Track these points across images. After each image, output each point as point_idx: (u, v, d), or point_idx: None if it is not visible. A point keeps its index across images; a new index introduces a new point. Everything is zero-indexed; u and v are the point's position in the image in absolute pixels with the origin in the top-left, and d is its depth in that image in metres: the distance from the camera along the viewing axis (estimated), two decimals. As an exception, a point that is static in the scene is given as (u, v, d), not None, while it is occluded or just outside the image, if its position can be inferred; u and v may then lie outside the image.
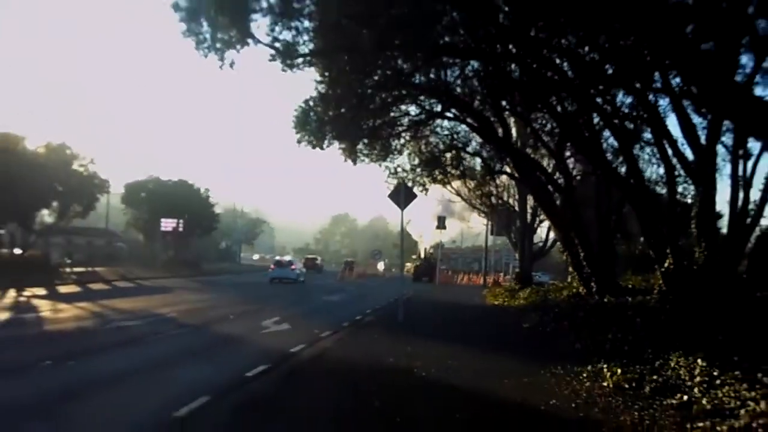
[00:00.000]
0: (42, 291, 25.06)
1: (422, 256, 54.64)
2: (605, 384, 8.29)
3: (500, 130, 23.65)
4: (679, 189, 15.65)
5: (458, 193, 39.10)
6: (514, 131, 26.49)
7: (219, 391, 7.76)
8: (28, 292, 23.86)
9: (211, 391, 7.77)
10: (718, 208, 12.20)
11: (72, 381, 8.40)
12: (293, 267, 41.98)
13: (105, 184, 36.17)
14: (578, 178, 27.01)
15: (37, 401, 7.22)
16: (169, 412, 6.75)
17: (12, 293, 23.32)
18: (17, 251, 32.62)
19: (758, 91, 11.89)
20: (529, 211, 35.18)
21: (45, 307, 18.56)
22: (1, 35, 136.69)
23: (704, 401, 6.79)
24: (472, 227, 54.51)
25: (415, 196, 18.17)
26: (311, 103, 20.51)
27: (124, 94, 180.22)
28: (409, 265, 54.51)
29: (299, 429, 6.18)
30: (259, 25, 15.08)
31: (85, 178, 33.66)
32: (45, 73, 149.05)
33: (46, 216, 34.43)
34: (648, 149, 22.61)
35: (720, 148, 12.48)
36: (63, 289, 27.24)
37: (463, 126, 25.56)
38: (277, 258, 50.56)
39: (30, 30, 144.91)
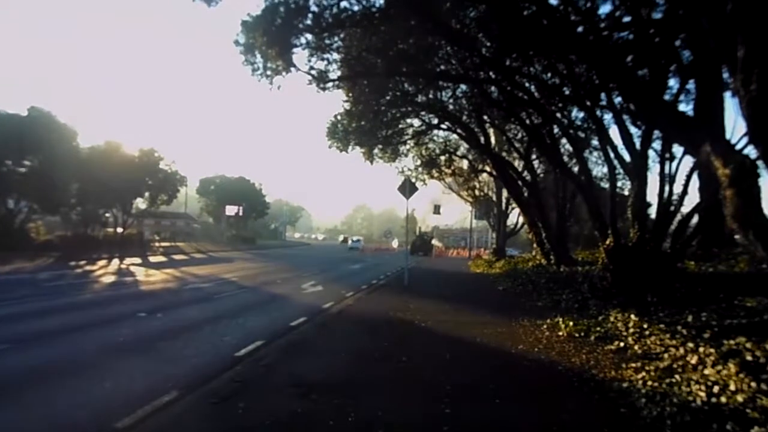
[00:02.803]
0: (137, 260, 25.39)
1: (417, 234, 53.87)
2: (560, 333, 8.28)
3: (482, 138, 23.57)
4: (619, 184, 15.51)
5: (450, 187, 39.08)
6: (492, 139, 26.32)
7: (270, 337, 7.86)
8: (127, 261, 24.18)
9: (264, 336, 7.88)
10: (648, 198, 12.05)
11: (159, 328, 8.53)
12: (359, 242, 63.38)
13: (184, 179, 36.48)
14: (541, 175, 26.81)
15: (134, 342, 7.36)
16: (232, 352, 6.85)
17: (116, 262, 23.63)
18: (119, 230, 33.01)
19: (682, 107, 11.76)
20: (504, 200, 35.09)
21: (139, 273, 18.79)
22: (99, 61, 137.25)
23: (636, 347, 6.78)
24: (461, 211, 54.22)
25: (417, 189, 18.09)
26: (339, 117, 20.57)
27: (199, 110, 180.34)
28: None
29: (330, 359, 6.22)
30: (300, 57, 15.11)
31: (169, 175, 33.96)
32: (138, 92, 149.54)
33: (140, 203, 34.82)
34: (595, 153, 22.47)
35: (651, 152, 12.34)
36: (153, 258, 27.56)
37: (454, 135, 25.59)
38: (355, 237, 74.42)
39: (125, 57, 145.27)
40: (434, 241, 57.57)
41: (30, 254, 23.73)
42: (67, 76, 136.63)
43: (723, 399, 4.22)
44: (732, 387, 4.33)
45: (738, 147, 7.22)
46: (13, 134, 24.55)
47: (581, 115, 17.64)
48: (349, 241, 69.19)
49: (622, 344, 7.13)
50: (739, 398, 4.13)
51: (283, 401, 4.67)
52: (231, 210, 52.38)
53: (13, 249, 23.64)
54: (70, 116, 51.32)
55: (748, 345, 4.85)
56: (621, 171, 13.27)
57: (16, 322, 8.59)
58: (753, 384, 4.25)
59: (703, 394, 4.41)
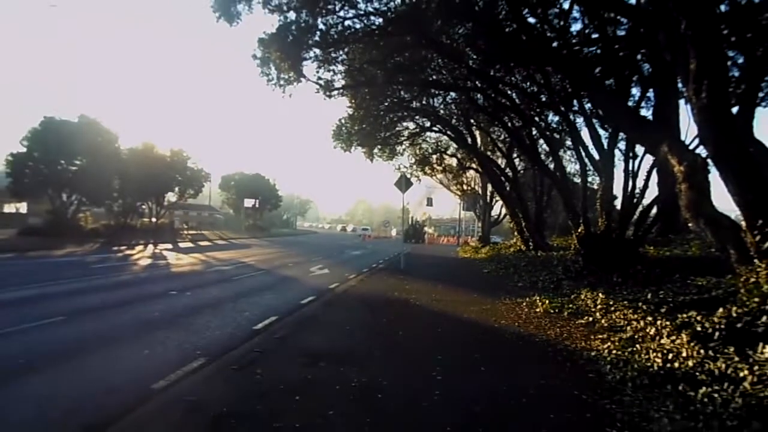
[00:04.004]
0: (169, 246, 25.41)
1: (410, 223, 53.10)
2: (537, 310, 8.33)
3: (469, 139, 23.54)
4: (589, 179, 15.46)
5: (441, 182, 39.01)
6: (479, 140, 26.29)
7: (283, 313, 7.91)
8: (160, 247, 24.21)
9: (278, 312, 7.92)
10: (614, 192, 12.08)
11: (188, 304, 8.55)
12: (368, 230, 67.58)
13: (208, 175, 36.58)
14: (522, 171, 26.81)
15: (166, 316, 7.39)
16: (251, 326, 6.90)
17: (150, 247, 23.67)
18: (153, 220, 33.15)
19: (643, 112, 11.79)
20: (488, 194, 35.03)
21: (171, 257, 18.82)
22: (134, 71, 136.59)
23: (603, 321, 6.83)
24: (451, 203, 54.00)
25: (411, 184, 18.08)
26: (343, 121, 20.52)
27: (221, 114, 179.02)
28: None
29: (335, 332, 6.26)
30: (309, 68, 15.06)
31: (196, 172, 34.06)
32: (169, 98, 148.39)
33: (171, 196, 34.80)
34: (569, 152, 22.52)
35: (617, 152, 12.37)
36: (182, 244, 27.57)
37: (445, 137, 25.56)
38: (363, 227, 75.48)
39: (157, 69, 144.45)
40: (427, 229, 57.41)
41: (79, 240, 24.12)
42: (107, 84, 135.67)
43: (676, 364, 4.27)
44: (684, 354, 4.39)
45: (691, 147, 7.23)
46: (66, 138, 25.44)
47: (556, 118, 17.67)
48: (348, 229, 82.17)
49: (591, 319, 7.19)
50: (690, 363, 4.19)
51: (295, 369, 4.71)
52: (249, 202, 52.29)
53: (66, 236, 24.14)
54: (112, 122, 51.17)
55: (699, 318, 4.91)
56: (591, 168, 13.29)
57: (70, 298, 8.70)
58: (702, 351, 4.31)
59: (659, 360, 4.46)
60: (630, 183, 11.03)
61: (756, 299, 4.59)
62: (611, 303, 7.29)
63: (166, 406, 3.80)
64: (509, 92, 16.30)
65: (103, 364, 4.96)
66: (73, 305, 7.93)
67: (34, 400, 3.94)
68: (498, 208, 37.18)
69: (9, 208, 35.27)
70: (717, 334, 4.49)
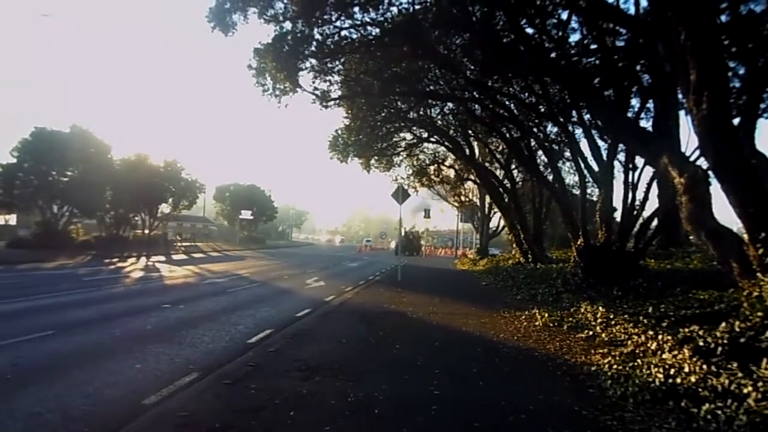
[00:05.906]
0: (162, 258, 25.30)
1: (403, 234, 52.50)
2: (537, 323, 8.29)
3: (467, 150, 23.66)
4: (588, 191, 15.52)
5: (438, 194, 39.09)
6: (477, 151, 26.43)
7: (278, 326, 7.86)
8: (153, 259, 24.10)
9: (273, 325, 7.88)
10: (614, 204, 12.13)
11: (182, 317, 8.49)
12: (370, 241, 69.30)
13: (202, 186, 36.52)
14: (520, 183, 26.93)
15: (160, 330, 7.34)
16: (245, 339, 6.85)
17: (143, 259, 23.56)
18: (146, 231, 33.04)
19: (642, 123, 11.90)
20: (486, 205, 35.13)
21: (164, 269, 18.72)
22: (129, 83, 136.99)
23: (603, 335, 6.81)
24: (444, 210, 53.82)
25: (409, 195, 18.09)
26: (339, 132, 20.63)
27: (216, 125, 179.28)
28: None
29: (331, 346, 6.20)
30: (305, 79, 15.12)
31: (190, 183, 34.01)
32: (163, 108, 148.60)
33: (164, 208, 34.70)
34: (567, 163, 22.65)
35: (616, 163, 12.42)
36: (175, 257, 27.45)
37: (442, 147, 25.74)
38: (367, 238, 77.27)
39: (151, 80, 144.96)
40: (424, 241, 57.32)
41: (71, 252, 24.06)
42: (99, 93, 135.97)
43: (678, 380, 4.24)
44: (686, 369, 4.37)
45: (691, 159, 7.30)
46: (58, 149, 25.56)
47: (555, 129, 17.80)
48: (336, 242, 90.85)
49: (591, 333, 7.16)
50: (692, 379, 4.16)
51: (290, 383, 4.66)
52: (244, 214, 52.31)
53: (57, 248, 24.04)
54: (104, 132, 50.83)
55: (701, 332, 4.89)
56: (590, 179, 13.34)
57: (61, 311, 8.62)
58: (704, 366, 4.28)
59: (661, 375, 4.43)
60: (630, 195, 11.08)
61: (759, 313, 4.58)
62: (611, 316, 7.27)
63: (158, 422, 3.74)
64: (507, 103, 16.46)
65: (93, 378, 4.89)
66: (63, 319, 7.86)
67: (22, 416, 3.88)
68: (496, 219, 37.29)
69: (-2, 220, 35.15)
70: (720, 349, 4.47)
